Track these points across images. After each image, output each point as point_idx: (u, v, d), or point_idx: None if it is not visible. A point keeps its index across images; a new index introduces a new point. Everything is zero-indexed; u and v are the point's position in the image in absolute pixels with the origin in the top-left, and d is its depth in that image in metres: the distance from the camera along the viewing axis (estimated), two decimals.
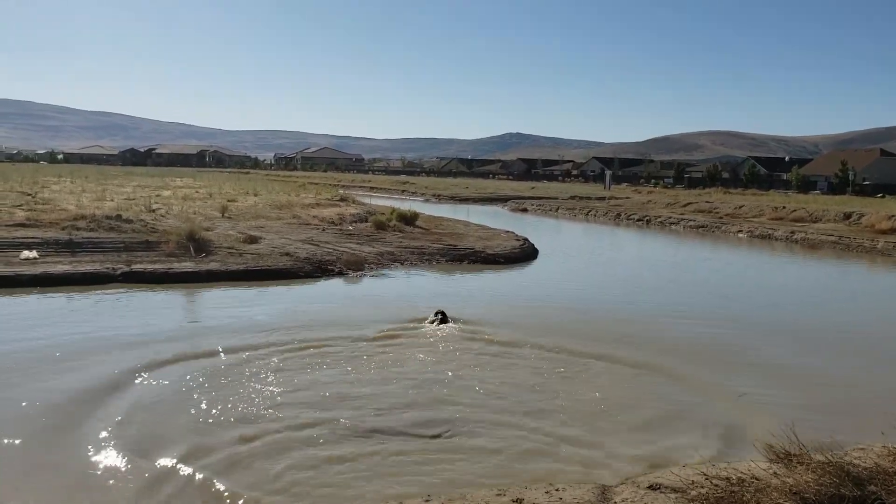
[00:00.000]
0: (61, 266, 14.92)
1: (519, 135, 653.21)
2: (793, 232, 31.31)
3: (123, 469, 6.10)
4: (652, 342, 11.29)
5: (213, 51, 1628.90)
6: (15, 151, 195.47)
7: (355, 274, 16.77)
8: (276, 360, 9.49)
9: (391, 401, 8.05)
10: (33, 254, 15.64)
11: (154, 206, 24.80)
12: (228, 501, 5.62)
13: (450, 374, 9.16)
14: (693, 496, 4.83)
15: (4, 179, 39.01)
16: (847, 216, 34.34)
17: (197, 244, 17.34)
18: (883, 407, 8.19)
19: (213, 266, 15.94)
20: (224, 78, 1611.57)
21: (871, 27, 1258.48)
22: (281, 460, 6.34)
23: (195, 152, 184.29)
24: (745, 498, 4.54)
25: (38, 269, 14.46)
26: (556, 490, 5.22)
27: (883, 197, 58.76)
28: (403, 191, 68.62)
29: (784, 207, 39.38)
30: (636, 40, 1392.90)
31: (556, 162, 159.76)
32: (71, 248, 16.72)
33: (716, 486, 4.84)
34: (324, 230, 22.68)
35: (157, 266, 15.53)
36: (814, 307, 15.87)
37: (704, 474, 5.10)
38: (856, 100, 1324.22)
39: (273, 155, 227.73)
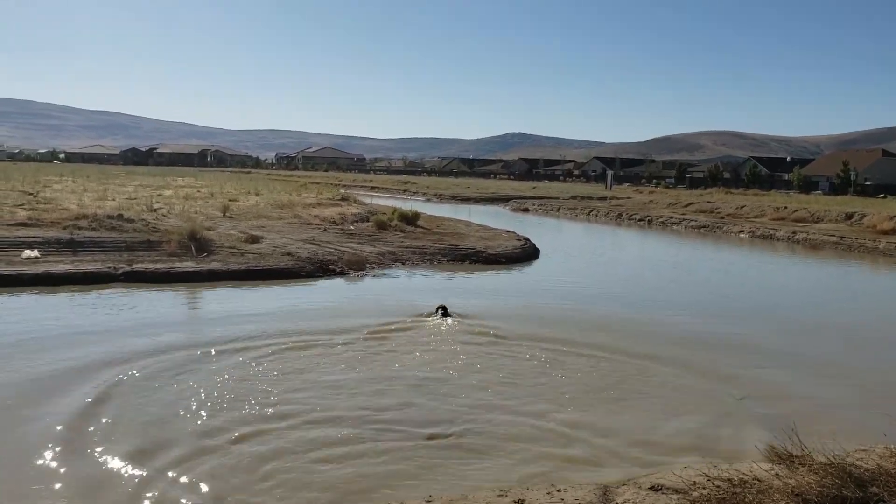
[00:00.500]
0: (63, 265, 14.93)
1: (520, 134, 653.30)
2: (794, 232, 31.28)
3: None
4: (651, 338, 11.38)
5: (214, 50, 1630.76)
6: (17, 151, 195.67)
7: (357, 274, 16.77)
8: (277, 356, 9.51)
9: (393, 393, 8.14)
10: (35, 253, 15.66)
11: (155, 206, 24.82)
12: (221, 500, 5.62)
13: (450, 365, 9.35)
14: (695, 497, 4.83)
15: (6, 179, 39.06)
16: (849, 216, 34.30)
17: (198, 244, 17.35)
18: (884, 408, 8.18)
19: (215, 266, 15.95)
20: (225, 77, 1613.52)
21: (872, 27, 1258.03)
22: (281, 458, 6.33)
23: (196, 152, 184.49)
24: (746, 499, 4.54)
25: (40, 269, 14.47)
26: (558, 491, 5.22)
27: (885, 197, 58.69)
28: (405, 190, 68.63)
29: (786, 208, 39.35)
30: (637, 40, 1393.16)
31: (557, 162, 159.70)
32: (72, 247, 16.73)
33: (717, 487, 4.84)
34: (325, 230, 22.69)
35: (158, 265, 15.54)
36: (815, 307, 15.86)
37: (706, 475, 5.09)
38: (857, 100, 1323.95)
39: (274, 154, 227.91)
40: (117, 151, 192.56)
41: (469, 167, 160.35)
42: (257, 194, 35.15)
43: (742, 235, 32.82)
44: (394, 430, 7.14)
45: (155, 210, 23.71)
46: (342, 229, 23.14)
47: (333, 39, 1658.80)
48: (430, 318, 12.02)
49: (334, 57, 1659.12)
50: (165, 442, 6.64)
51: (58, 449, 6.41)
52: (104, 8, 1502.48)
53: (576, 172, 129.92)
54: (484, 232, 25.73)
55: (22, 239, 16.87)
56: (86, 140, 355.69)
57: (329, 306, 13.34)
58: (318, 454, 6.48)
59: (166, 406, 7.58)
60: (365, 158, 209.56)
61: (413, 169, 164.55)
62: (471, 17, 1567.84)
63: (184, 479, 5.92)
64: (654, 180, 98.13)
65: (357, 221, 25.20)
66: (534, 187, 77.94)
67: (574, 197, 57.47)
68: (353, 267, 17.12)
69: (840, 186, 73.89)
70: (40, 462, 6.18)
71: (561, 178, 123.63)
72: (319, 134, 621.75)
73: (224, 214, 24.11)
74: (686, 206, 45.20)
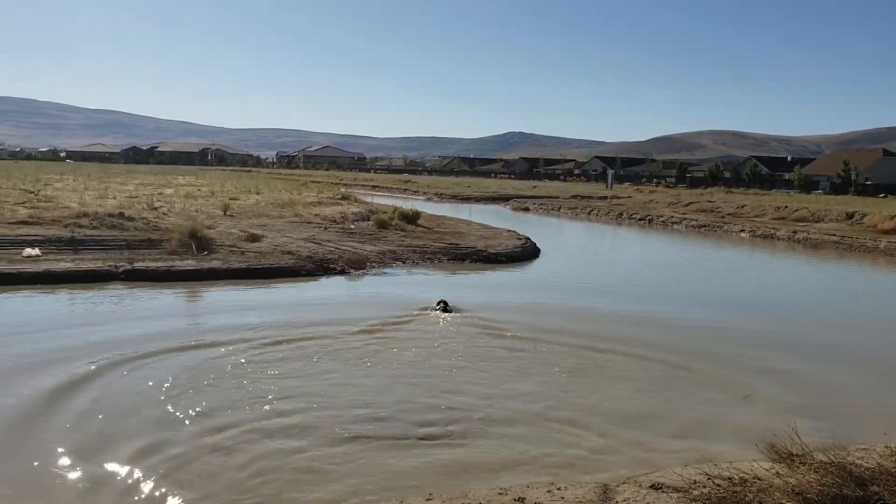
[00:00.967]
0: (64, 263, 14.93)
1: (521, 134, 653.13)
2: (795, 232, 31.27)
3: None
4: (650, 333, 11.47)
5: (215, 49, 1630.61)
6: (18, 149, 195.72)
7: (357, 272, 16.79)
8: (276, 352, 9.52)
9: (393, 387, 8.22)
10: (36, 251, 15.66)
11: (156, 204, 24.83)
12: (211, 498, 5.63)
13: (450, 358, 9.56)
14: (695, 496, 4.82)
15: (7, 177, 39.08)
16: (849, 216, 34.28)
17: (199, 242, 17.36)
18: (885, 407, 8.19)
19: (215, 264, 15.96)
20: (226, 77, 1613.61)
21: (873, 27, 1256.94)
22: (279, 456, 6.34)
23: (197, 150, 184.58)
24: (747, 498, 4.54)
25: (41, 267, 14.48)
26: (558, 489, 5.22)
27: (885, 197, 58.66)
28: (405, 189, 68.62)
29: (786, 207, 39.33)
30: (638, 40, 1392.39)
31: (558, 161, 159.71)
32: (73, 245, 16.74)
33: (718, 485, 4.84)
34: (326, 229, 22.69)
35: (159, 264, 15.55)
36: (816, 307, 15.85)
37: (706, 474, 5.09)
38: (858, 100, 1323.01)
39: (275, 153, 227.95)
40: (118, 150, 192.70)
41: (470, 166, 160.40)
42: (258, 193, 35.15)
43: (743, 235, 32.81)
44: (393, 425, 7.14)
45: (156, 208, 23.72)
46: (343, 228, 23.14)
47: (334, 39, 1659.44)
48: (431, 313, 12.30)
49: (335, 56, 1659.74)
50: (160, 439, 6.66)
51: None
52: (105, 7, 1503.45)
53: (576, 172, 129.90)
54: (484, 231, 25.73)
55: (23, 237, 16.89)
56: (87, 139, 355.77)
57: (330, 302, 13.48)
58: (317, 451, 6.48)
59: (151, 401, 7.59)
60: (366, 157, 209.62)
61: (414, 168, 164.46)
62: (471, 16, 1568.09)
63: (152, 479, 5.91)
64: (655, 180, 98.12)
65: (358, 220, 25.20)
66: (534, 186, 77.92)
67: (575, 196, 57.46)
68: (353, 266, 17.13)
69: (841, 186, 73.87)
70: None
71: (561, 177, 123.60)
72: (320, 133, 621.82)
73: (225, 213, 24.12)
74: (687, 205, 45.19)
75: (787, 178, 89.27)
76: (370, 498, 5.67)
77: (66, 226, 18.53)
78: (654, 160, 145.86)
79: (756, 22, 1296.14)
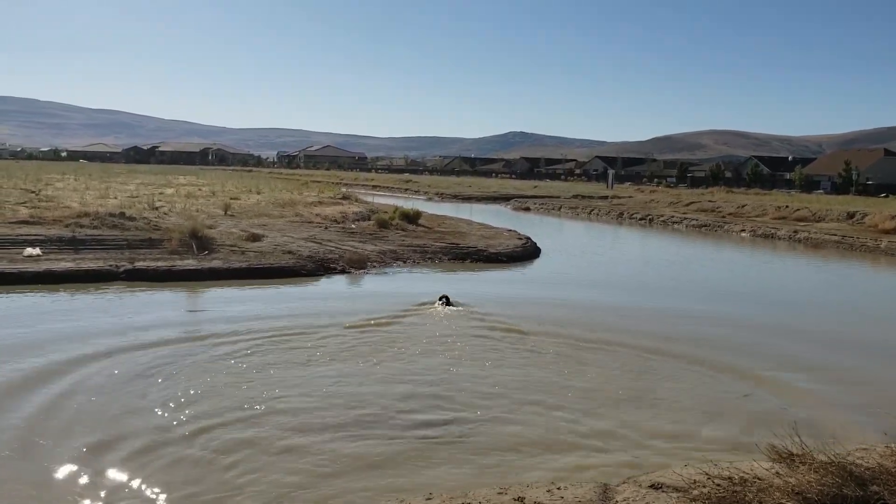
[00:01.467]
0: (64, 263, 14.94)
1: (522, 133, 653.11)
2: (796, 231, 31.25)
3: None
4: (654, 330, 11.66)
5: (216, 49, 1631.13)
6: (19, 149, 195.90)
7: (358, 272, 16.81)
8: (276, 349, 9.54)
9: (394, 381, 8.35)
10: (36, 251, 15.67)
11: (157, 204, 24.85)
12: (225, 487, 5.64)
13: (451, 351, 9.83)
14: (695, 495, 4.82)
15: (8, 177, 39.11)
16: (850, 216, 34.26)
17: (200, 242, 17.36)
18: (885, 406, 8.17)
19: (216, 264, 15.97)
20: (227, 76, 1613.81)
21: (874, 26, 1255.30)
22: (279, 453, 6.33)
23: (198, 150, 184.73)
24: (747, 498, 4.53)
25: (42, 266, 14.49)
26: (558, 489, 5.22)
27: (886, 196, 58.64)
28: (406, 189, 68.62)
29: (787, 207, 39.30)
30: (639, 39, 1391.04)
31: (558, 161, 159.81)
32: (74, 245, 16.75)
33: (718, 485, 4.84)
34: (326, 228, 22.70)
35: (160, 263, 15.56)
36: (817, 307, 15.84)
37: (706, 473, 5.09)
38: (859, 99, 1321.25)
39: (276, 153, 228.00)
40: (119, 150, 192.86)
41: (471, 166, 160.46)
42: (259, 193, 35.16)
43: (743, 234, 32.80)
44: (395, 421, 7.15)
45: (156, 208, 23.74)
46: (343, 228, 23.15)
47: (335, 38, 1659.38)
48: (434, 307, 12.63)
49: (336, 56, 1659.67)
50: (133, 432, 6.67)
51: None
52: (106, 6, 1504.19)
53: (577, 171, 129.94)
54: (485, 231, 25.73)
55: (24, 237, 16.90)
56: (88, 138, 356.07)
57: (333, 299, 13.67)
58: (316, 448, 6.48)
59: (147, 399, 7.59)
60: (366, 157, 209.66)
61: (414, 168, 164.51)
62: (472, 15, 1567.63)
63: (140, 477, 5.92)
64: (656, 179, 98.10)
65: (358, 220, 25.20)
66: (535, 186, 77.90)
67: (575, 196, 57.44)
68: (354, 265, 17.14)
69: (842, 186, 73.86)
70: None
71: (562, 177, 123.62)
72: (321, 133, 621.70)
73: (225, 213, 24.13)
74: (687, 205, 45.17)
75: (788, 177, 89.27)
76: (370, 497, 5.67)
77: (66, 225, 18.55)
78: (654, 160, 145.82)
79: (757, 21, 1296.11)
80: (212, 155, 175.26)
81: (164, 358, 9.14)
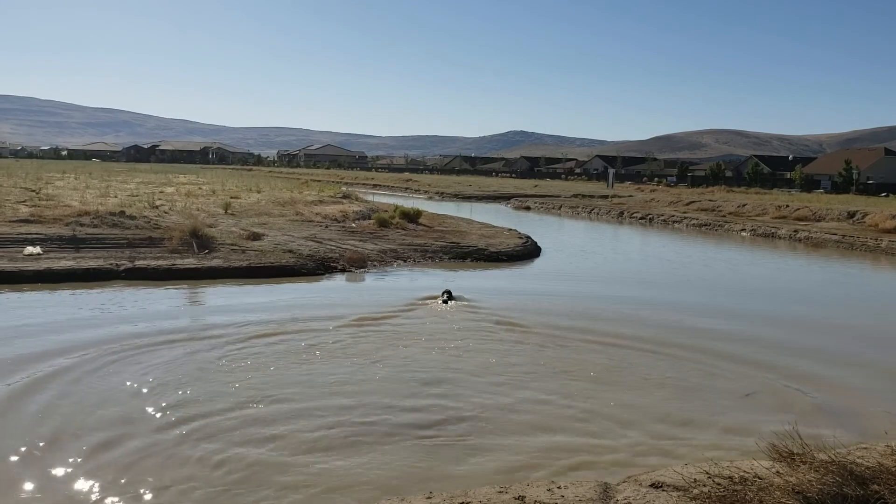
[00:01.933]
0: (65, 262, 14.95)
1: (522, 133, 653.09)
2: (796, 230, 31.24)
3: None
4: (653, 326, 11.77)
5: (216, 48, 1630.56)
6: (19, 148, 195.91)
7: (358, 271, 16.82)
8: (276, 347, 9.54)
9: (395, 378, 8.42)
10: (37, 249, 15.68)
11: (157, 203, 24.84)
12: (220, 485, 5.65)
13: (453, 345, 10.02)
14: (695, 494, 4.83)
15: (9, 175, 39.11)
16: (851, 215, 34.23)
17: (200, 241, 17.36)
18: (885, 406, 8.18)
19: (216, 263, 15.97)
20: (228, 75, 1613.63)
21: (875, 25, 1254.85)
22: (278, 452, 6.33)
23: (199, 149, 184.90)
24: (747, 497, 4.53)
25: (42, 265, 14.50)
26: (559, 488, 5.22)
27: (887, 196, 58.61)
28: (406, 188, 68.64)
29: (787, 206, 39.28)
30: (639, 38, 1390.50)
31: (559, 160, 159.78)
32: (74, 244, 16.76)
33: (718, 484, 4.84)
34: (327, 227, 22.70)
35: (160, 262, 15.56)
36: (818, 307, 15.83)
37: (707, 472, 5.10)
38: (860, 99, 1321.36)
39: (276, 152, 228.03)
40: (120, 149, 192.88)
41: (471, 165, 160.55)
42: (259, 192, 35.15)
43: (743, 234, 32.78)
44: (396, 419, 7.16)
45: (157, 207, 23.73)
46: (344, 227, 23.15)
47: (335, 38, 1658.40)
48: (436, 301, 12.99)
49: (336, 55, 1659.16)
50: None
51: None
52: (107, 5, 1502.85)
53: (577, 171, 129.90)
54: (485, 230, 25.72)
55: (24, 235, 16.90)
56: (88, 137, 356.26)
57: (334, 296, 13.84)
58: (317, 445, 6.48)
59: (140, 398, 7.60)
60: (367, 156, 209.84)
61: (415, 167, 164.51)
62: (472, 15, 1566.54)
63: (131, 476, 5.93)
64: (656, 179, 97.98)
65: (359, 219, 25.19)
66: (535, 185, 77.89)
67: (576, 195, 57.44)
68: (354, 264, 17.14)
69: (842, 185, 73.79)
70: None
71: (563, 176, 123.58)
72: (321, 132, 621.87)
73: (226, 212, 24.13)
74: (688, 204, 45.14)
75: (788, 177, 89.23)
76: (370, 496, 5.67)
77: (67, 224, 18.55)
78: (655, 159, 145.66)
79: (759, 20, 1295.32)
80: (212, 154, 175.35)
81: (163, 356, 9.15)
